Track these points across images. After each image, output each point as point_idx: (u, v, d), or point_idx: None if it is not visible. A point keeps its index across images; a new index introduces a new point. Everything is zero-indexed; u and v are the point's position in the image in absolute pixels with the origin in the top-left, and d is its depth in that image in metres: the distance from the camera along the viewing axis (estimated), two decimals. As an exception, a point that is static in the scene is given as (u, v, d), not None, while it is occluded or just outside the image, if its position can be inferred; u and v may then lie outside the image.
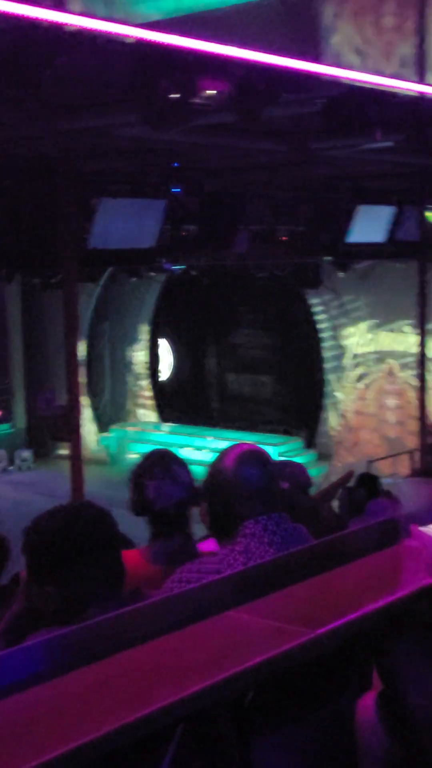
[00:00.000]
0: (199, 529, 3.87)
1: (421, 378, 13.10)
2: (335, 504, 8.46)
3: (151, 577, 3.28)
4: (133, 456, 19.67)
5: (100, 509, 2.68)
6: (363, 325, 18.25)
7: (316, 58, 5.69)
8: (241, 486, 2.86)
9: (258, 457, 2.97)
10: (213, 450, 17.93)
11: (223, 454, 2.99)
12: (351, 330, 18.39)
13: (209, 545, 3.94)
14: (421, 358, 13.13)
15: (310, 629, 1.86)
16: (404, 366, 17.77)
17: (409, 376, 17.64)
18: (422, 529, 2.28)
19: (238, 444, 3.06)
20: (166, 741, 1.80)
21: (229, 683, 1.73)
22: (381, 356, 18.07)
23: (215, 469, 2.96)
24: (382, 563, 2.27)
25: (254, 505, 2.84)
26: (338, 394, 18.76)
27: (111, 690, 1.74)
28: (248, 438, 18.06)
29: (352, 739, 2.16)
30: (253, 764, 2.00)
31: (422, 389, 13.16)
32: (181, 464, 3.53)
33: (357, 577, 2.20)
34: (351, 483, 9.45)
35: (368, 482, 9.42)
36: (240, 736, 2.00)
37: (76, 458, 9.12)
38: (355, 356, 18.39)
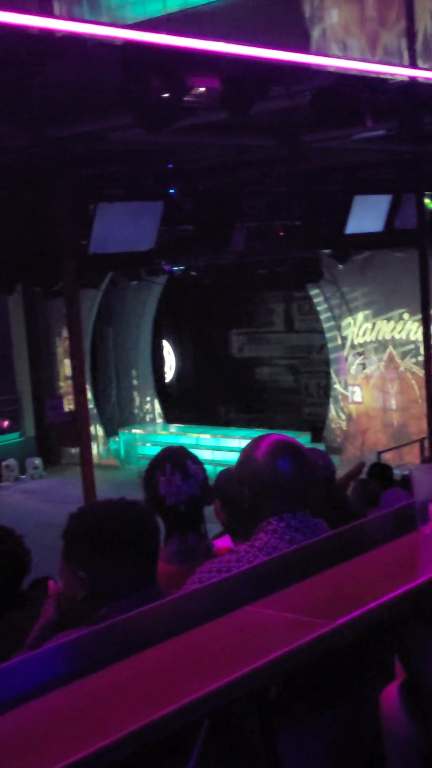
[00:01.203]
0: (212, 528, 3.86)
1: (427, 366, 13.07)
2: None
3: (169, 577, 3.27)
4: (142, 459, 19.70)
5: (147, 512, 2.70)
6: (364, 316, 18.24)
7: (303, 49, 5.68)
8: (273, 481, 2.72)
9: (292, 449, 2.79)
10: (222, 448, 18.00)
11: (254, 444, 2.81)
12: (352, 321, 18.38)
13: (225, 542, 3.93)
14: (427, 345, 13.10)
15: (330, 620, 1.86)
16: (405, 354, 17.76)
17: (411, 363, 17.62)
18: None
19: (269, 434, 2.89)
20: (192, 737, 1.80)
21: (252, 677, 1.72)
22: (382, 345, 18.06)
23: (246, 461, 2.79)
24: (400, 551, 2.26)
25: (283, 502, 2.71)
26: (342, 386, 18.75)
27: (134, 689, 1.74)
28: (255, 435, 18.05)
29: (377, 729, 2.15)
30: (279, 757, 2.00)
31: (429, 377, 13.13)
32: (195, 461, 3.48)
33: (375, 566, 2.19)
34: (362, 474, 9.44)
35: (380, 473, 9.41)
36: (265, 730, 1.99)
37: (87, 464, 9.12)
38: (357, 346, 18.38)
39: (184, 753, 1.78)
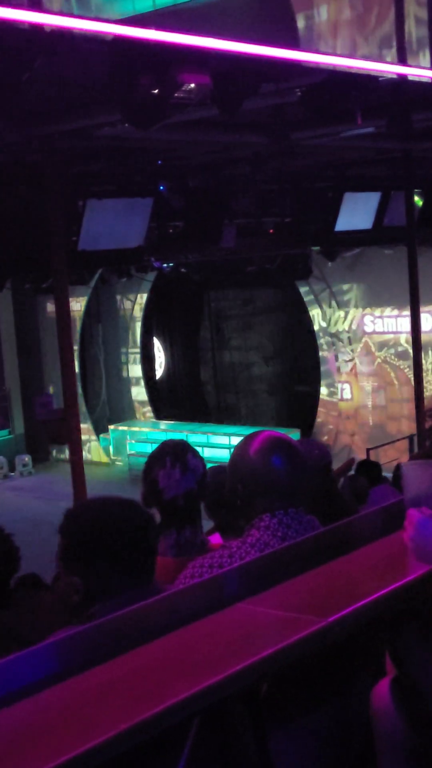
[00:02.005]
0: (205, 524, 3.86)
1: (417, 362, 13.09)
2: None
3: (163, 569, 3.28)
4: (132, 456, 19.69)
5: (143, 512, 2.67)
6: (353, 313, 18.26)
7: (293, 46, 5.67)
8: (266, 477, 2.72)
9: (285, 445, 2.80)
10: (212, 445, 18.00)
11: (247, 441, 2.82)
12: (342, 318, 18.40)
13: (216, 539, 3.93)
14: (416, 342, 13.11)
15: (321, 618, 1.86)
16: (394, 350, 17.79)
17: (401, 361, 17.65)
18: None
19: (262, 431, 2.89)
20: (183, 735, 1.79)
21: (243, 675, 1.72)
22: (372, 342, 18.08)
23: (238, 458, 2.80)
24: (390, 548, 2.26)
25: (276, 499, 2.72)
26: (331, 383, 18.77)
27: (126, 687, 1.74)
28: (245, 431, 18.07)
29: (368, 726, 2.16)
30: (270, 754, 2.00)
31: (418, 373, 13.15)
32: (196, 455, 3.48)
33: (366, 563, 2.19)
34: (351, 471, 9.46)
35: (369, 470, 9.43)
36: (256, 727, 1.99)
37: (77, 461, 9.10)
38: (347, 344, 18.40)
39: (175, 751, 1.78)
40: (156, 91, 5.13)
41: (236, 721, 1.98)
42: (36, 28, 4.37)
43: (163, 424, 20.99)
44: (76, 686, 1.76)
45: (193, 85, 5.27)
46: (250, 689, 1.94)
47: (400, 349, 17.71)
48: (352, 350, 18.37)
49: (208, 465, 3.61)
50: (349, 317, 18.31)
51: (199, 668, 1.74)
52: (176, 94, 5.25)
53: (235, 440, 18.19)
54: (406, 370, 17.58)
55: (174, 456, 3.41)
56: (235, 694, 1.85)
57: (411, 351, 15.95)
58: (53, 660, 1.82)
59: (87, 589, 2.57)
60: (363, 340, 18.19)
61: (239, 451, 2.81)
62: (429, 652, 2.06)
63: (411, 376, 17.38)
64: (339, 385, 18.61)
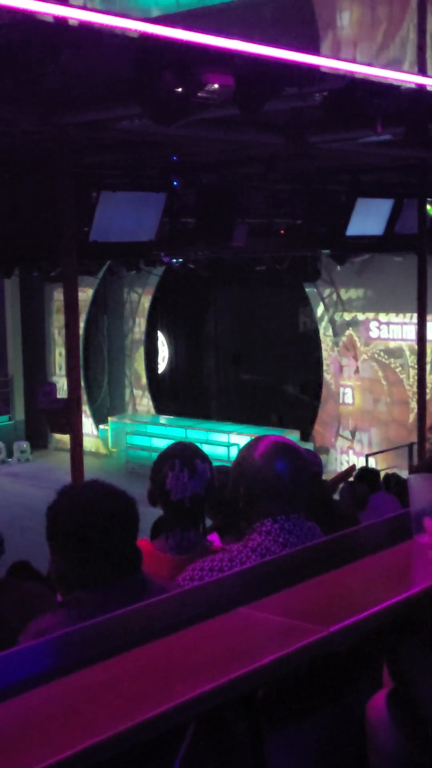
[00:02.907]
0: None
1: (422, 369, 13.10)
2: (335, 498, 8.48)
3: (164, 565, 3.31)
4: (130, 448, 19.70)
5: (125, 499, 2.70)
6: (359, 318, 18.25)
7: (317, 51, 5.67)
8: (269, 482, 2.73)
9: (289, 451, 2.80)
10: (211, 443, 18.00)
11: (252, 445, 2.82)
12: (347, 323, 18.38)
13: (214, 538, 3.95)
14: (421, 351, 13.12)
15: (322, 626, 1.86)
16: (398, 357, 17.79)
17: (404, 368, 17.65)
18: None
19: (267, 435, 2.89)
20: (178, 738, 1.79)
21: (241, 681, 1.72)
22: (376, 348, 18.07)
23: (243, 461, 2.80)
24: (394, 559, 2.26)
25: (279, 504, 2.73)
26: (333, 386, 18.76)
27: (122, 688, 1.73)
28: (245, 430, 18.08)
29: (362, 736, 2.16)
30: (265, 761, 2.00)
31: (422, 380, 13.16)
32: (204, 459, 3.51)
33: (369, 574, 2.19)
34: (351, 477, 9.46)
35: (369, 476, 9.44)
36: (252, 733, 2.00)
37: (77, 451, 9.11)
38: (351, 349, 18.39)
39: (170, 754, 1.78)
40: (179, 89, 5.13)
41: (232, 724, 1.98)
42: (61, 22, 4.37)
43: (163, 419, 21.00)
44: (73, 684, 1.75)
45: (216, 85, 5.27)
46: (248, 694, 1.94)
47: (404, 356, 17.70)
48: (355, 355, 18.36)
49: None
50: (355, 322, 18.30)
51: (199, 672, 1.74)
52: (199, 93, 5.26)
53: (235, 438, 18.23)
54: (410, 378, 17.58)
55: (183, 459, 3.44)
56: (232, 699, 1.85)
57: (415, 358, 15.98)
58: (50, 656, 1.82)
59: (67, 573, 2.62)
60: (367, 346, 18.17)
61: (244, 454, 2.82)
62: (427, 666, 2.07)
63: (414, 383, 17.41)
64: (341, 390, 18.61)
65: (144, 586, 2.64)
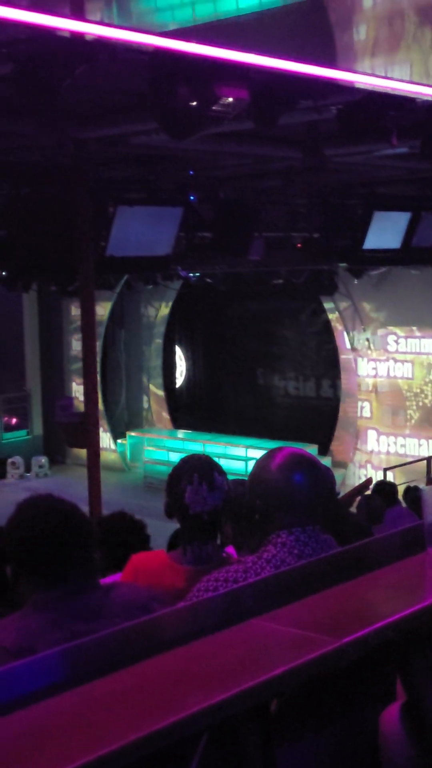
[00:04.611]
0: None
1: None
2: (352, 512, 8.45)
3: (182, 577, 3.31)
4: (148, 462, 19.70)
5: (68, 512, 2.79)
6: (377, 331, 18.22)
7: (332, 64, 5.69)
8: (286, 494, 2.73)
9: (306, 463, 2.81)
10: (229, 456, 17.98)
11: (269, 456, 2.82)
12: (365, 336, 18.35)
13: (230, 550, 3.95)
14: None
15: (335, 638, 1.85)
16: (418, 370, 17.74)
17: (422, 381, 17.60)
18: None
19: (284, 447, 2.89)
20: (190, 749, 1.79)
21: (254, 692, 1.72)
22: (394, 362, 18.02)
23: (259, 472, 2.80)
24: (408, 572, 2.25)
25: (295, 516, 2.73)
26: (351, 399, 18.72)
27: (135, 698, 1.73)
28: (262, 444, 18.05)
29: (375, 749, 2.15)
30: (278, 772, 1.99)
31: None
32: (221, 472, 3.52)
33: (382, 586, 2.18)
34: (368, 491, 9.43)
35: (386, 490, 9.40)
36: (264, 745, 1.99)
37: (94, 466, 9.13)
38: (369, 362, 18.35)
39: (182, 765, 1.77)
40: (194, 103, 5.16)
41: (245, 736, 1.97)
42: (77, 37, 4.40)
43: (181, 433, 21.00)
44: (86, 694, 1.75)
45: (230, 99, 5.29)
46: (260, 705, 1.93)
47: (423, 369, 17.65)
48: (373, 368, 18.31)
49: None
50: (372, 336, 18.26)
51: (211, 682, 1.74)
52: (213, 107, 5.28)
53: (252, 452, 18.19)
54: (428, 392, 17.53)
55: (201, 472, 3.44)
56: (245, 710, 1.84)
57: (433, 372, 15.96)
58: (63, 666, 1.82)
59: (20, 580, 2.74)
60: (385, 359, 18.13)
61: (261, 466, 2.82)
62: (441, 679, 2.05)
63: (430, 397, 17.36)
64: (359, 403, 18.56)
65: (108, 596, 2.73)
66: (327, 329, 19.20)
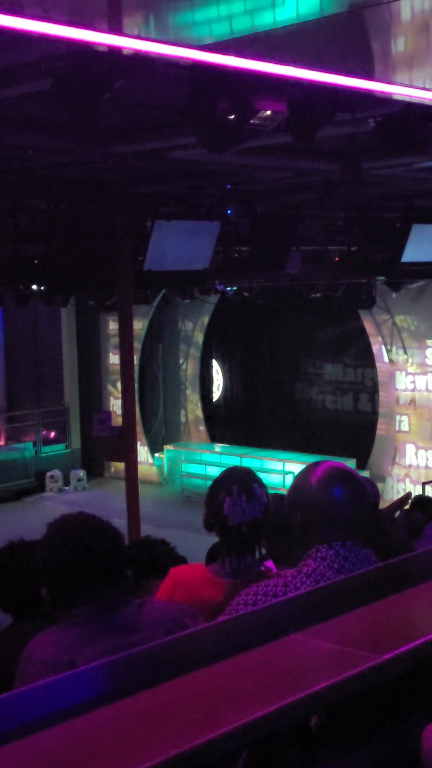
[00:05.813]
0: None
1: None
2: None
3: (221, 590, 3.30)
4: (186, 477, 19.70)
5: (99, 529, 2.80)
6: (416, 344, 18.11)
7: (370, 76, 5.67)
8: (326, 508, 2.72)
9: (346, 477, 2.80)
10: (266, 470, 17.94)
11: (309, 470, 2.82)
12: (403, 350, 18.25)
13: (270, 565, 3.92)
14: None
15: (376, 654, 1.83)
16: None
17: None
18: None
19: (324, 461, 2.89)
20: (230, 766, 1.77)
21: (295, 708, 1.70)
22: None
23: (299, 486, 2.80)
24: (450, 586, 2.22)
25: (335, 530, 2.71)
26: (390, 413, 18.61)
27: (176, 713, 1.72)
28: (300, 458, 17.99)
29: (417, 765, 2.12)
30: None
31: None
32: (261, 484, 3.50)
33: (424, 601, 2.16)
34: (407, 505, 9.35)
35: (425, 504, 9.32)
36: (304, 761, 1.97)
37: (132, 480, 9.14)
38: (408, 376, 18.24)
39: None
40: (232, 116, 5.17)
41: (285, 752, 1.95)
42: (115, 51, 4.43)
43: (218, 447, 20.99)
44: (125, 709, 1.75)
45: (269, 112, 5.30)
46: (300, 721, 1.91)
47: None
48: (412, 382, 18.20)
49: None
50: (411, 349, 18.15)
51: (251, 698, 1.72)
52: (252, 121, 5.29)
53: (290, 466, 18.13)
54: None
55: (241, 484, 3.43)
56: (285, 727, 1.83)
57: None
58: (105, 680, 1.82)
59: (54, 598, 2.77)
60: (424, 373, 18.02)
61: (300, 480, 2.81)
62: None
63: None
64: (397, 417, 18.45)
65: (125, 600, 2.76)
66: (365, 343, 19.11)
